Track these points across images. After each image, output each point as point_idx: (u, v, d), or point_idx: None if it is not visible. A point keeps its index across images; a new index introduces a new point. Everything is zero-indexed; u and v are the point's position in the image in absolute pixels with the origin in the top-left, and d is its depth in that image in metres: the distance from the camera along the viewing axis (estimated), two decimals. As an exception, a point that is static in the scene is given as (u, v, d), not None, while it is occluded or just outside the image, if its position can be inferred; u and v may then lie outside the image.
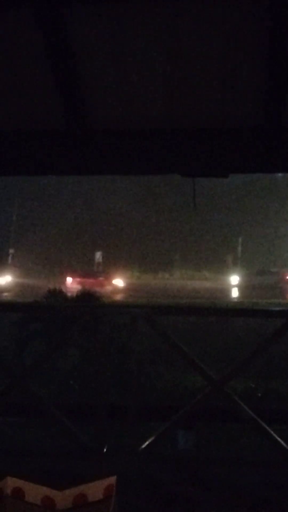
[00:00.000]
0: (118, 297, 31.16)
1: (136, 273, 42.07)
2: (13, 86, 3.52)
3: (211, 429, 5.42)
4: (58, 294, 12.34)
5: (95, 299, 12.02)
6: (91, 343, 6.67)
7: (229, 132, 3.63)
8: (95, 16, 3.11)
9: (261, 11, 2.97)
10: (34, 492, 1.43)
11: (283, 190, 41.09)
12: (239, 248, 43.40)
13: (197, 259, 41.93)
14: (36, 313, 8.51)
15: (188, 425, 4.66)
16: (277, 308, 9.18)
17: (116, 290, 34.52)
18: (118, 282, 37.01)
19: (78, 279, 34.95)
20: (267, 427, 4.42)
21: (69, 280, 35.71)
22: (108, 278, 36.90)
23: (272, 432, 4.41)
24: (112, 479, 1.47)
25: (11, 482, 1.42)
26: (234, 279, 39.09)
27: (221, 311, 8.86)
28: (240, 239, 43.03)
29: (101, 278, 36.45)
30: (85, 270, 38.27)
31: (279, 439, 4.38)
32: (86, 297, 11.80)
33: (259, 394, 8.42)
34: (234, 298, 33.60)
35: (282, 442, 4.37)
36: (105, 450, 4.46)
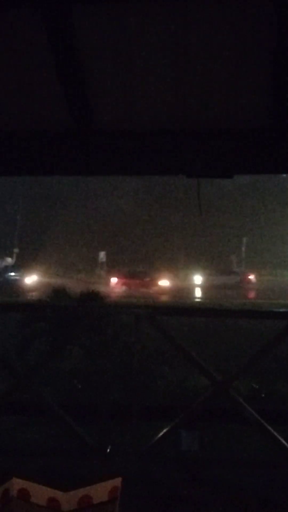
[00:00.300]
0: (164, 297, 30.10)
1: (182, 274, 40.54)
2: (19, 88, 3.53)
3: (214, 429, 5.41)
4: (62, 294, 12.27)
5: (100, 299, 11.98)
6: (94, 343, 6.69)
7: (234, 133, 3.64)
8: (100, 17, 3.11)
9: (267, 13, 2.97)
10: (39, 493, 1.43)
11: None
12: (243, 248, 43.38)
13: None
14: (40, 313, 8.50)
15: (191, 426, 4.65)
16: (282, 310, 9.16)
17: (163, 290, 32.96)
18: (165, 282, 35.16)
19: (123, 280, 33.72)
20: (270, 428, 4.41)
21: (113, 280, 34.25)
22: (154, 279, 35.19)
23: (275, 433, 4.40)
24: (118, 481, 1.47)
25: (17, 483, 1.42)
26: (197, 279, 38.27)
27: (224, 312, 8.90)
28: (244, 240, 43.03)
29: (147, 279, 34.74)
30: (130, 270, 36.31)
31: (282, 440, 4.38)
32: (91, 297, 11.77)
33: (263, 395, 8.39)
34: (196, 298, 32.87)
35: (286, 443, 4.37)
36: (108, 450, 4.47)
